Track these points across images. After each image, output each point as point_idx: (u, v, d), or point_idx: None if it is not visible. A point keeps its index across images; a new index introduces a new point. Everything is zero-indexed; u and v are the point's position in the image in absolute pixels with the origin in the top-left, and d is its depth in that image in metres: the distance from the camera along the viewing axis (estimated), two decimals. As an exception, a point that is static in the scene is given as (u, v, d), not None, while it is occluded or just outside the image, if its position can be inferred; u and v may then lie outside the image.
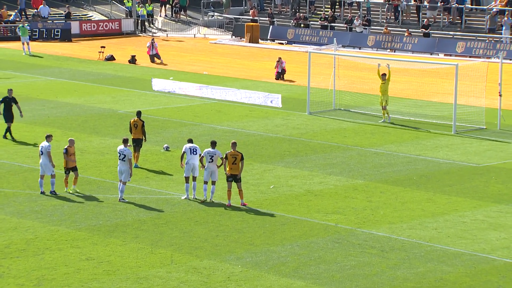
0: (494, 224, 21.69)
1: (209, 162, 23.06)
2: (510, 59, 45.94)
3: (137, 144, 26.69)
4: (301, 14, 56.55)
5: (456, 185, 25.13)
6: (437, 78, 40.28)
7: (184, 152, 23.42)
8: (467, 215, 22.41)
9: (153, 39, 49.58)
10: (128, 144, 23.63)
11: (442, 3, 52.66)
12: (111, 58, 49.21)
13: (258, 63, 48.20)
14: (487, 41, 48.83)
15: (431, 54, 49.52)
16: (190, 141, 23.70)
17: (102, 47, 50.12)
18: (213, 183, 23.26)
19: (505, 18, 49.24)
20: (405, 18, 54.20)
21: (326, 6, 57.45)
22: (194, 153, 23.31)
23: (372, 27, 53.69)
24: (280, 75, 43.20)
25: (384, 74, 33.28)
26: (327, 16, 55.34)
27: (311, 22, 55.65)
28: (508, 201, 23.58)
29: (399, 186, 25.01)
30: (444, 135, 31.44)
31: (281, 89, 39.98)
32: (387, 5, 54.55)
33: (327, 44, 47.97)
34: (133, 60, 48.34)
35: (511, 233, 21.00)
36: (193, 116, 34.66)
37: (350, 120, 34.06)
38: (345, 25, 54.38)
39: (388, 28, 52.73)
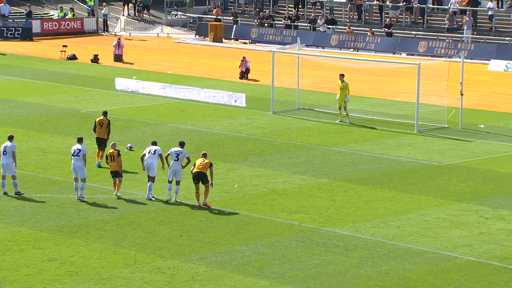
0: (456, 222, 21.93)
1: (175, 160, 23.05)
2: (471, 59, 46.50)
3: (101, 143, 26.64)
4: (265, 13, 56.62)
5: (419, 183, 25.37)
6: (400, 77, 40.59)
7: (144, 154, 23.46)
8: (430, 213, 22.63)
9: (119, 39, 49.30)
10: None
11: (404, 3, 53.10)
12: (73, 57, 48.80)
13: (222, 63, 48.17)
14: (447, 40, 49.34)
15: (393, 54, 49.92)
16: (154, 143, 23.72)
17: (64, 46, 49.70)
18: (177, 183, 23.24)
19: (467, 18, 49.83)
20: (368, 17, 54.56)
21: (290, 5, 57.60)
22: (153, 153, 23.34)
23: (335, 26, 53.96)
24: (244, 74, 43.22)
25: (342, 75, 33.29)
26: (290, 16, 55.49)
27: (275, 22, 55.75)
28: (470, 199, 23.86)
29: (362, 185, 25.18)
30: (406, 134, 31.71)
31: (245, 89, 40.00)
32: (349, 4, 54.86)
33: (290, 44, 48.10)
34: (95, 59, 48.01)
35: (473, 231, 21.26)
36: (157, 116, 34.53)
37: (314, 119, 34.19)
38: (308, 25, 54.58)
39: (352, 27, 53.03)
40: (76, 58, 48.79)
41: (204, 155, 23.04)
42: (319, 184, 25.29)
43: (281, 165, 27.07)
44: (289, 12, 56.51)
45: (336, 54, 48.00)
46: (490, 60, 46.39)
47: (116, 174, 23.63)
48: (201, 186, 22.78)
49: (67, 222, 21.75)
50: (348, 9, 55.07)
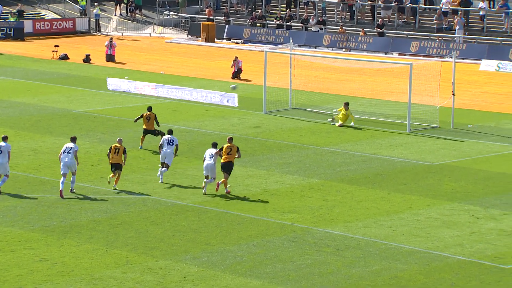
0: (447, 222, 21.98)
1: (169, 144, 24.82)
2: (463, 59, 46.60)
3: (148, 133, 28.91)
4: (258, 13, 56.62)
5: (411, 183, 25.41)
6: (392, 77, 40.65)
7: (161, 144, 25.08)
8: (421, 213, 22.67)
9: (111, 39, 49.24)
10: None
11: (396, 3, 53.19)
12: (65, 57, 48.71)
13: (214, 63, 48.15)
14: (437, 40, 49.43)
15: (385, 54, 49.99)
16: (170, 132, 25.33)
17: (56, 46, 49.60)
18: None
19: (458, 18, 49.94)
20: (360, 17, 54.63)
21: (282, 5, 57.63)
22: (171, 143, 25.06)
23: (327, 26, 54.01)
24: (236, 74, 43.21)
25: (347, 103, 32.73)
26: (283, 16, 55.51)
27: (267, 22, 55.78)
28: (461, 199, 23.91)
29: (354, 184, 25.20)
30: (398, 134, 31.75)
31: (238, 88, 39.96)
32: (341, 4, 54.92)
33: (283, 44, 48.13)
34: (87, 59, 47.93)
35: (464, 231, 21.31)
36: (149, 116, 34.44)
37: (306, 119, 34.21)
38: (301, 25, 54.61)
39: (344, 27, 53.09)
40: (68, 58, 48.70)
41: (230, 140, 24.17)
42: (311, 184, 25.31)
43: (273, 165, 27.07)
44: (281, 12, 56.53)
45: (328, 54, 48.05)
46: (481, 60, 46.50)
47: (117, 167, 24.07)
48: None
49: (59, 222, 21.70)
50: (340, 9, 55.12)
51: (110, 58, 48.15)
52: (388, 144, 30.26)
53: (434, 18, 51.28)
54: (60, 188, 23.48)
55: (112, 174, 24.33)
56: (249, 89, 40.40)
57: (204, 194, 24.03)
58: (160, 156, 25.31)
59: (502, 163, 27.75)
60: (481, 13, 50.90)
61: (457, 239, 20.67)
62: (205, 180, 24.13)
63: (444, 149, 29.68)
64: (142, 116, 29.07)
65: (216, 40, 55.28)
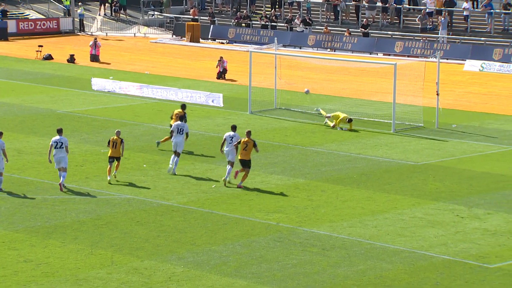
0: (432, 222, 22.06)
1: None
2: (447, 59, 46.78)
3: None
4: (242, 13, 56.62)
5: (395, 183, 25.48)
6: (376, 77, 40.77)
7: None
8: (406, 212, 22.74)
9: (95, 39, 49.07)
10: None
11: (381, 3, 53.33)
12: (49, 57, 48.50)
13: (199, 63, 48.11)
14: (421, 40, 49.61)
15: (370, 54, 50.13)
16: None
17: (39, 46, 49.38)
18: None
19: (442, 19, 50.14)
20: (344, 18, 54.73)
21: (267, 5, 57.64)
22: (181, 132, 25.73)
23: (313, 27, 54.09)
24: (221, 74, 43.19)
25: (350, 119, 32.60)
26: (268, 16, 55.53)
27: (252, 22, 55.79)
28: (446, 198, 24.00)
29: (339, 184, 25.25)
30: (383, 134, 31.83)
31: (223, 89, 39.98)
32: (326, 4, 55.00)
33: (268, 44, 48.14)
34: (72, 59, 47.75)
35: (449, 230, 21.39)
36: (134, 116, 34.41)
37: (291, 119, 34.24)
38: (285, 25, 54.65)
39: (329, 27, 53.17)
40: (52, 58, 48.49)
41: (248, 134, 24.61)
42: (297, 184, 25.34)
43: (259, 165, 27.07)
44: (266, 12, 56.55)
45: (313, 54, 48.11)
46: (465, 60, 46.70)
47: (117, 159, 24.83)
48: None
49: (43, 223, 21.61)
50: (325, 9, 55.21)
51: (94, 58, 48.00)
52: (373, 144, 30.34)
53: (417, 18, 51.46)
54: (60, 182, 24.00)
55: (109, 166, 24.83)
56: (234, 89, 40.39)
57: (229, 182, 24.65)
58: (172, 144, 25.93)
59: (486, 163, 27.89)
60: (464, 13, 51.14)
61: (441, 239, 20.75)
62: (228, 166, 24.73)
63: (429, 149, 29.79)
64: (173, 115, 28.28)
65: (201, 40, 55.22)
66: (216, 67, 43.44)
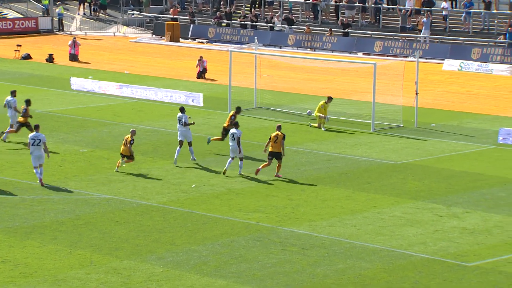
0: (411, 220, 22.17)
1: (232, 139, 25.93)
2: (426, 58, 47.01)
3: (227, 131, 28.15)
4: (222, 13, 56.58)
5: (375, 182, 25.58)
6: (356, 77, 40.92)
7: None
8: (385, 211, 22.84)
9: (74, 38, 48.84)
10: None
11: (360, 3, 53.51)
12: (27, 57, 48.23)
13: (179, 62, 48.04)
14: (401, 40, 49.83)
15: (350, 53, 50.29)
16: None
17: (18, 45, 49.08)
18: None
19: (424, 19, 50.38)
20: (324, 17, 54.86)
21: (247, 5, 57.66)
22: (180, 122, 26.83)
23: (293, 26, 54.16)
24: (201, 74, 43.15)
25: (330, 97, 32.86)
26: (246, 15, 55.55)
27: (232, 21, 55.79)
28: (425, 197, 24.13)
29: (319, 184, 25.32)
30: (363, 133, 31.94)
31: (202, 88, 39.95)
32: (304, 4, 55.09)
33: (248, 43, 48.16)
34: (50, 59, 47.51)
35: (427, 229, 21.51)
36: (113, 116, 34.31)
37: (271, 118, 34.27)
38: (266, 24, 54.69)
39: (310, 27, 53.26)
40: (31, 58, 48.22)
41: (279, 128, 25.72)
42: (276, 183, 25.37)
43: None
44: (246, 11, 56.56)
45: (293, 53, 48.18)
46: (444, 59, 46.97)
47: (126, 156, 25.74)
48: (275, 161, 25.53)
49: (21, 223, 21.49)
50: (304, 8, 55.31)
51: (73, 57, 47.78)
52: (353, 143, 30.44)
53: (399, 19, 51.68)
54: (39, 177, 24.21)
55: (119, 161, 25.83)
56: (214, 88, 40.37)
57: (223, 173, 25.60)
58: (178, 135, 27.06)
59: (464, 162, 28.06)
60: (443, 13, 51.42)
61: (420, 237, 20.85)
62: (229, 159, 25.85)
63: (408, 148, 29.92)
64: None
65: (181, 39, 55.14)
66: (196, 66, 43.40)
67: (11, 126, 29.51)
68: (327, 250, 19.91)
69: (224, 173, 25.77)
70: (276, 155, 25.60)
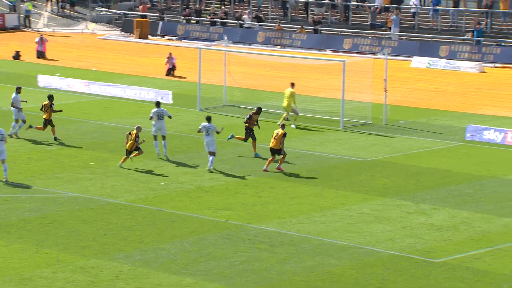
0: (379, 217, 22.30)
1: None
2: (395, 55, 47.28)
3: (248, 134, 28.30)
4: (192, 10, 56.43)
5: (344, 179, 25.70)
6: (325, 74, 41.05)
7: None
8: (354, 208, 22.95)
9: (42, 35, 48.41)
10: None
11: (330, 0, 53.67)
12: (-6, 54, 47.77)
13: (148, 59, 47.84)
14: (370, 37, 50.08)
15: (319, 51, 50.43)
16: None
17: (-16, 42, 48.59)
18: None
19: (394, 16, 50.66)
20: (294, 14, 54.96)
21: (216, 2, 57.57)
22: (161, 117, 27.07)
23: (263, 23, 54.18)
24: (170, 71, 43.02)
25: (292, 83, 33.09)
26: (216, 12, 55.47)
27: (201, 18, 55.66)
28: (393, 194, 24.29)
29: (288, 181, 25.37)
30: (332, 130, 32.06)
31: (172, 85, 39.83)
32: (274, 1, 55.13)
33: (217, 40, 48.08)
34: (17, 56, 47.05)
35: (395, 226, 21.65)
36: (81, 113, 34.08)
37: (240, 116, 34.25)
38: (235, 21, 54.66)
39: (280, 25, 53.30)
40: (-3, 55, 47.75)
41: (282, 126, 26.27)
42: (246, 181, 25.39)
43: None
44: (216, 8, 56.48)
45: (263, 50, 48.19)
46: (413, 57, 47.28)
47: (135, 149, 26.04)
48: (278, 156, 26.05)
49: (-13, 222, 21.28)
50: (273, 6, 55.34)
51: (40, 54, 47.37)
52: (322, 140, 30.54)
53: (368, 16, 51.92)
54: (5, 175, 24.04)
55: (124, 157, 26.07)
56: (183, 86, 40.27)
57: (209, 171, 25.81)
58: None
59: (432, 159, 28.28)
60: (412, 10, 51.77)
61: (388, 234, 20.99)
62: (210, 157, 26.02)
63: (376, 145, 30.08)
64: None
65: (149, 36, 54.90)
66: (165, 63, 43.25)
67: (24, 122, 29.71)
68: (296, 247, 19.96)
69: (210, 171, 25.94)
70: (276, 151, 26.12)
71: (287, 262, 19.09)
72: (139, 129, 26.23)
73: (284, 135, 26.11)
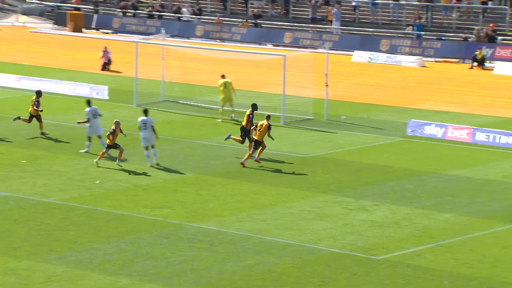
0: (320, 214, 22.47)
1: (144, 129, 26.01)
2: (336, 50, 47.69)
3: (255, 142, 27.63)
4: (128, 2, 55.96)
5: (285, 176, 25.82)
6: (266, 68, 41.18)
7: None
8: (295, 206, 23.08)
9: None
10: None
11: (271, -7, 53.87)
12: None
13: (82, 53, 47.31)
14: (311, 31, 50.41)
15: (259, 45, 50.55)
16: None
17: None
18: (152, 146, 26.12)
19: (335, 10, 51.06)
20: (233, 8, 54.95)
21: (154, -6, 57.26)
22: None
23: (202, 16, 54.05)
24: (106, 65, 42.62)
25: (223, 75, 33.14)
26: (154, 5, 55.13)
27: (138, 11, 55.23)
28: (334, 190, 24.50)
29: (228, 178, 25.38)
30: (273, 126, 32.11)
31: (107, 80, 39.47)
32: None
33: (155, 34, 47.81)
34: None
35: (337, 223, 21.84)
36: (12, 109, 33.51)
37: (179, 112, 34.16)
38: (173, 15, 54.40)
39: (221, 18, 53.23)
40: None
41: (267, 118, 26.26)
42: (184, 178, 25.31)
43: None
44: (153, 1, 56.12)
45: (202, 44, 48.09)
46: (354, 51, 47.75)
47: (111, 147, 25.80)
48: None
49: None
50: (213, -1, 55.29)
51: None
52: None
53: (309, 9, 52.23)
54: None
55: (101, 152, 26.00)
56: (119, 81, 39.94)
57: (151, 166, 25.81)
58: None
59: (373, 154, 28.62)
60: (353, 4, 52.27)
61: (329, 231, 21.16)
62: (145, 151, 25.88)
63: (318, 141, 30.31)
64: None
65: (84, 30, 54.29)
66: (101, 58, 42.82)
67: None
68: (236, 246, 19.99)
69: (155, 165, 25.96)
70: (257, 143, 26.25)
71: (227, 261, 19.11)
72: (117, 123, 25.93)
73: (269, 127, 26.17)
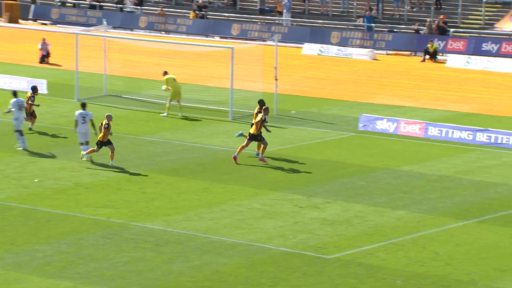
0: (270, 212, 22.51)
1: (82, 123, 25.72)
2: (286, 42, 47.82)
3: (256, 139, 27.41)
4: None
5: (234, 173, 25.81)
6: (212, 61, 41.08)
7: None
8: (244, 204, 23.09)
9: None
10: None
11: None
12: None
13: (19, 45, 46.67)
14: (259, 23, 50.46)
15: (206, 37, 50.44)
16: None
17: None
18: (86, 143, 25.93)
19: (286, 1, 51.16)
20: (178, -2, 54.73)
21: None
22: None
23: (145, 7, 53.70)
24: (44, 58, 42.10)
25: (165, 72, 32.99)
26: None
27: (78, 1, 54.65)
28: (285, 188, 24.57)
29: (175, 175, 25.28)
30: (221, 122, 32.14)
31: (46, 74, 39.02)
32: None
33: (96, 25, 47.35)
34: None
35: (287, 221, 21.91)
36: None
37: (122, 106, 33.92)
38: (115, 5, 53.94)
39: (164, 9, 52.96)
40: None
41: (265, 110, 26.08)
42: (128, 176, 25.15)
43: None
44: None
45: (145, 36, 47.80)
46: (304, 43, 47.94)
47: (102, 144, 25.48)
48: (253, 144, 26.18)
49: None
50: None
51: None
52: (210, 132, 30.57)
53: (257, 0, 52.24)
54: None
55: (92, 149, 25.81)
56: (59, 74, 39.51)
57: (88, 161, 25.65)
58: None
59: (324, 150, 28.78)
60: (303, -5, 52.48)
61: (280, 230, 21.21)
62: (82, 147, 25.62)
63: (267, 136, 30.30)
64: None
65: (20, 20, 53.55)
66: (39, 50, 42.28)
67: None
68: (183, 246, 19.92)
69: (86, 160, 25.81)
70: (253, 137, 26.12)
71: (174, 262, 19.03)
72: (109, 117, 25.57)
73: (262, 120, 26.05)
